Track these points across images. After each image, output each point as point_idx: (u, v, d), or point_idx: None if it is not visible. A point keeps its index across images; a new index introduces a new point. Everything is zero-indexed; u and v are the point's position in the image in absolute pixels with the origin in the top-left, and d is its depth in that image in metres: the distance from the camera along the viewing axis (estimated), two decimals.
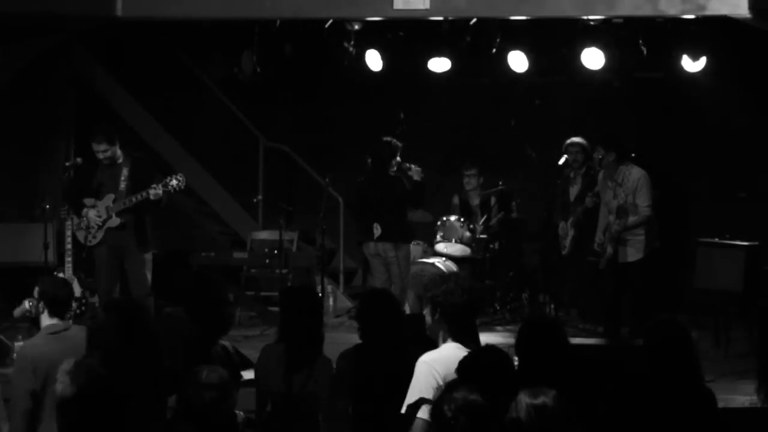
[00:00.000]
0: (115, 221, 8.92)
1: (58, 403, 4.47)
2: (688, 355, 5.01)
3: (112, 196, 8.94)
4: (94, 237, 8.99)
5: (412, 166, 9.47)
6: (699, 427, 4.91)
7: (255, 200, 12.16)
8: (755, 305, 9.23)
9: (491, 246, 11.02)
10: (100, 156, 8.95)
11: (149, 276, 8.99)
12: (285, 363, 5.69)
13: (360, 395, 5.54)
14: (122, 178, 8.96)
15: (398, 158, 9.50)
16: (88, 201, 9.01)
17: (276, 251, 10.80)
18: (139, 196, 8.82)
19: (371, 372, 5.51)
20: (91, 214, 8.96)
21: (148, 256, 9.04)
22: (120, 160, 9.00)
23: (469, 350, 4.96)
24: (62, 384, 4.46)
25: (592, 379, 5.23)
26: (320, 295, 7.53)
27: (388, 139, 9.59)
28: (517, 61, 10.45)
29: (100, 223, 8.94)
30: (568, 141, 10.36)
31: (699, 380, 5.03)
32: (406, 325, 5.78)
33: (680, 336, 5.04)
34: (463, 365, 4.67)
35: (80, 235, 9.07)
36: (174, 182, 8.81)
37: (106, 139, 8.95)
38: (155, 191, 8.77)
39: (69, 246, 9.24)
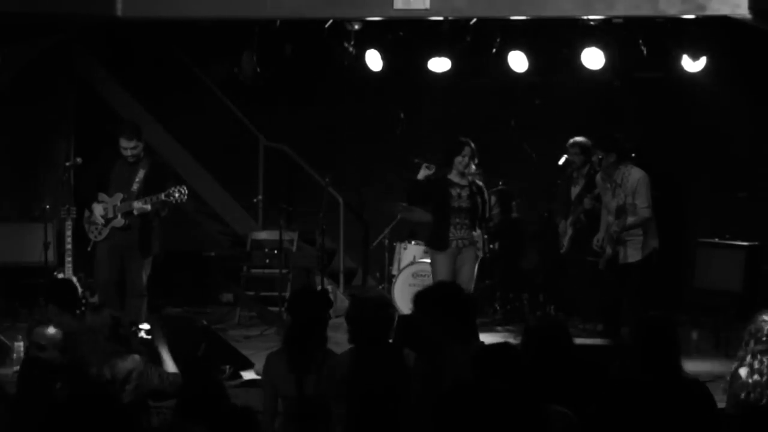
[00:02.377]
0: (120, 221, 8.90)
1: None
2: (670, 348, 5.01)
3: (121, 196, 8.93)
4: (100, 233, 8.99)
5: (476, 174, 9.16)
6: (689, 420, 4.90)
7: (255, 200, 12.15)
8: (755, 305, 9.23)
9: (491, 246, 11.00)
10: (128, 152, 8.90)
11: (145, 278, 9.00)
12: (295, 367, 5.62)
13: (355, 398, 5.52)
14: (136, 180, 8.94)
15: (462, 160, 9.08)
16: (100, 196, 9.01)
17: (276, 251, 10.80)
18: (128, 205, 8.85)
19: (366, 375, 5.49)
20: (98, 210, 8.95)
21: (148, 260, 9.05)
22: (141, 160, 9.00)
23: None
24: None
25: (592, 379, 5.23)
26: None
27: (460, 139, 9.22)
28: (517, 61, 10.44)
29: (104, 222, 8.93)
30: (570, 141, 10.35)
31: (680, 372, 5.01)
32: (400, 327, 5.76)
33: (664, 328, 5.04)
34: (478, 357, 4.66)
35: (87, 229, 9.08)
36: (177, 194, 8.78)
37: (136, 135, 8.94)
38: (139, 205, 8.79)
39: (69, 246, 9.23)
